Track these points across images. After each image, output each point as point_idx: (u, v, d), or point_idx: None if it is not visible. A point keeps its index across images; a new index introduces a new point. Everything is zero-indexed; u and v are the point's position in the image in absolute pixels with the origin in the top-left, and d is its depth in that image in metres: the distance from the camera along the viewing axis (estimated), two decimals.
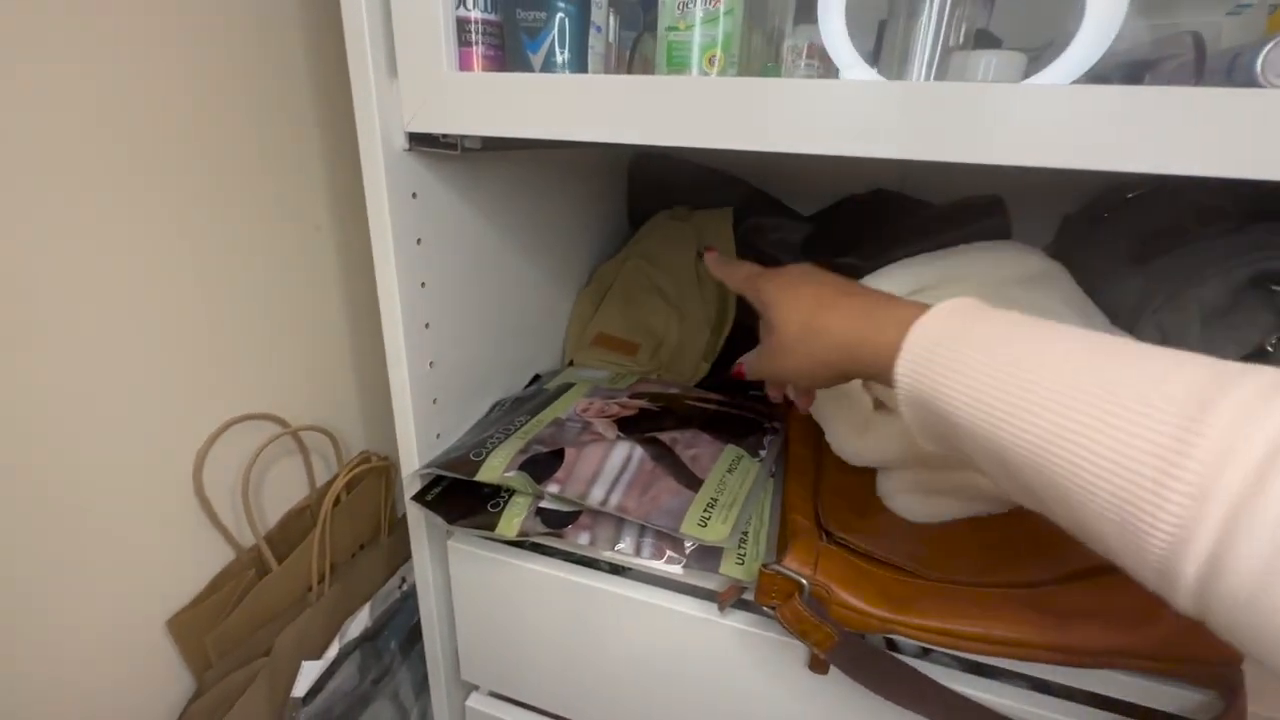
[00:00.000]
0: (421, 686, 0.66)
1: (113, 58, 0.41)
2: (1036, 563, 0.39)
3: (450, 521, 0.47)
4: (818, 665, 0.42)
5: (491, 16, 0.40)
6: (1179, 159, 0.28)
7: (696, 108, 0.34)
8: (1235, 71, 0.29)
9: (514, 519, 0.46)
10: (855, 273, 0.54)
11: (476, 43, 0.40)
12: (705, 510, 0.45)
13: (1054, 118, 0.30)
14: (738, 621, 0.47)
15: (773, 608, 0.40)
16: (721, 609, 0.45)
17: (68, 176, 0.40)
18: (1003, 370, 0.26)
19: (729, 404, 0.60)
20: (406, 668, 0.65)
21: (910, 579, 0.40)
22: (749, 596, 0.43)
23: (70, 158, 0.40)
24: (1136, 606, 0.35)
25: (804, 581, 0.38)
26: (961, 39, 0.37)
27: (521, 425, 0.53)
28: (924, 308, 0.31)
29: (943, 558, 0.40)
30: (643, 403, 0.58)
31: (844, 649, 0.39)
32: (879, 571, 0.40)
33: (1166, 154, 0.28)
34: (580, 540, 0.45)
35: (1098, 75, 0.38)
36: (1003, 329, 0.27)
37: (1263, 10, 0.39)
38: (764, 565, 0.40)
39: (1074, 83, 0.35)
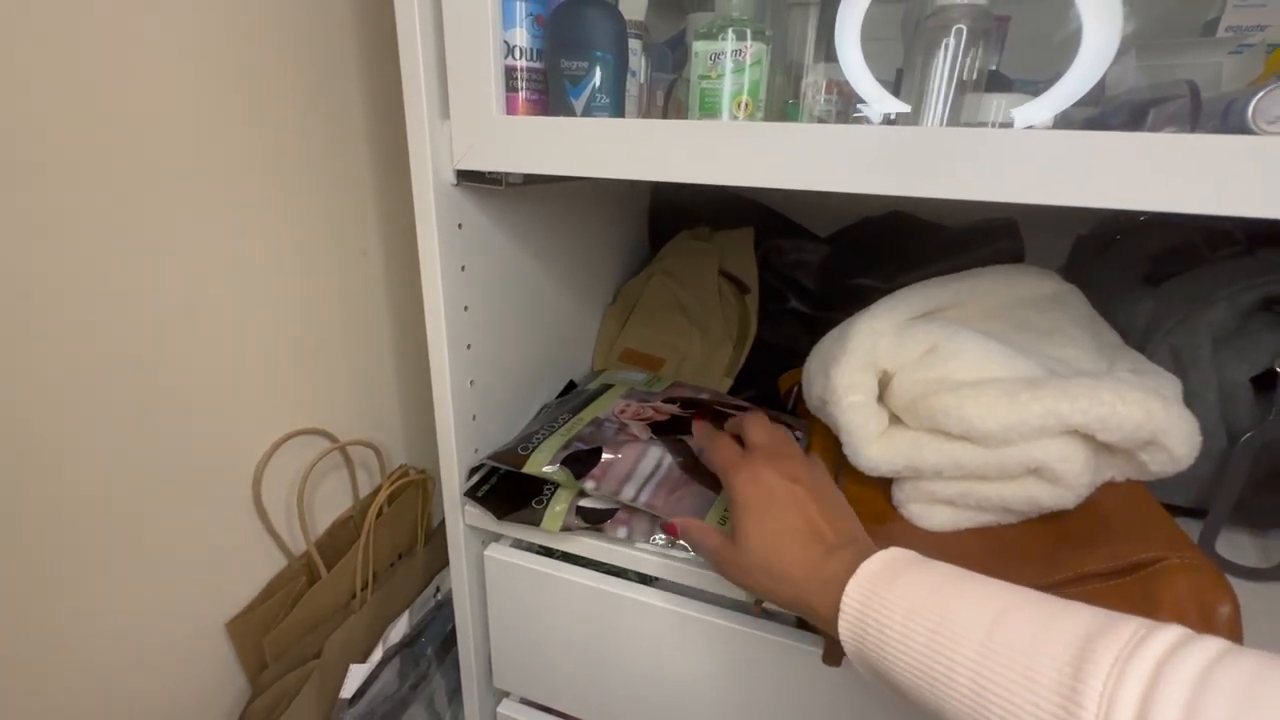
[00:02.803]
0: (455, 693, 0.68)
1: (194, 91, 0.45)
2: (1030, 569, 0.41)
3: (498, 517, 0.51)
4: (831, 657, 0.44)
5: (536, 65, 0.43)
6: (1177, 199, 0.31)
7: (729, 150, 0.37)
8: (1230, 116, 0.31)
9: (557, 516, 0.49)
10: (872, 294, 0.57)
11: (522, 89, 0.43)
12: (725, 510, 0.48)
13: (1056, 160, 0.32)
14: (762, 630, 0.49)
15: None
16: (754, 613, 0.47)
17: (142, 196, 0.43)
18: (924, 645, 0.28)
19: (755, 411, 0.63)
20: (441, 674, 0.67)
21: None
22: (773, 608, 0.46)
23: (149, 178, 0.43)
24: (1120, 609, 0.37)
25: None
26: (974, 81, 0.39)
27: (565, 423, 0.57)
28: (856, 564, 0.32)
29: (946, 561, 0.42)
30: (675, 408, 0.61)
31: None
32: None
33: (1166, 195, 0.31)
34: (619, 534, 0.49)
35: (1104, 114, 0.41)
36: (917, 597, 0.30)
37: (1261, 51, 0.41)
38: None
39: (1078, 127, 0.38)
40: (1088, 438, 0.43)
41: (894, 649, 0.29)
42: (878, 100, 0.40)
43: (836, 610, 0.32)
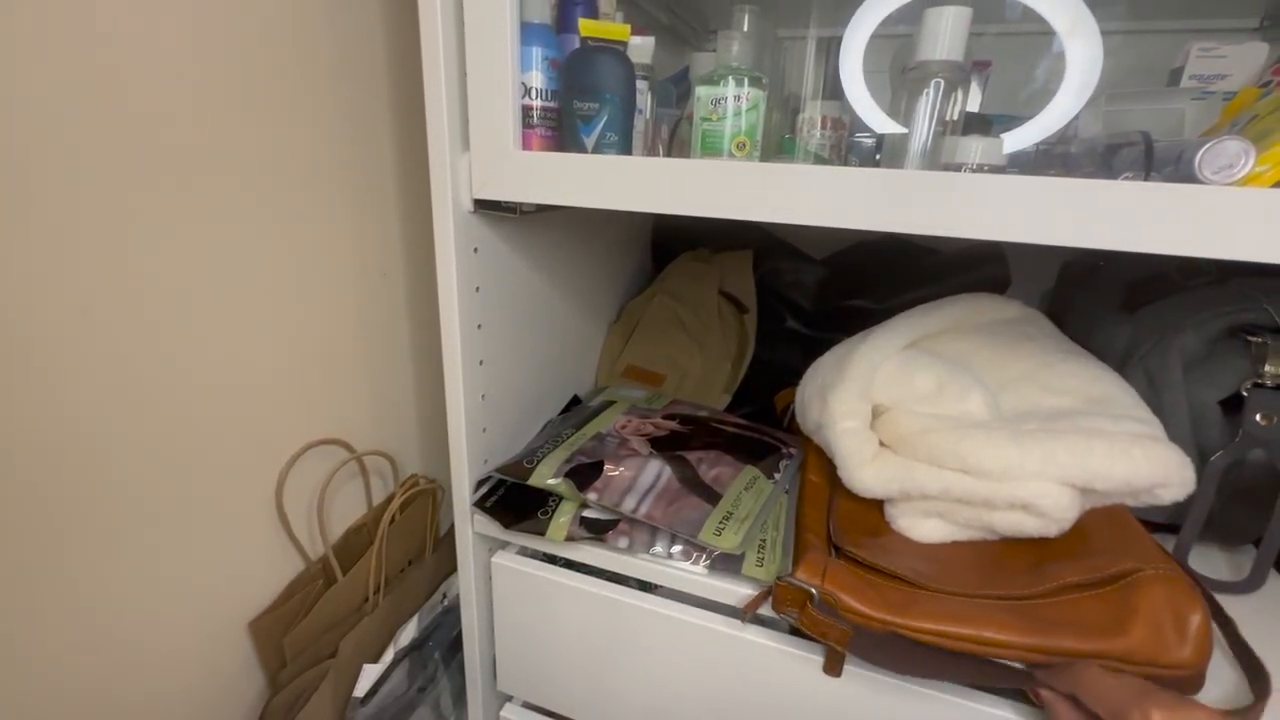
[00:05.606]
0: (459, 697, 0.70)
1: (235, 119, 0.49)
2: (1023, 579, 0.44)
3: (506, 526, 0.54)
4: (832, 667, 0.47)
5: (551, 104, 0.47)
6: (1134, 239, 0.34)
7: (728, 187, 0.41)
8: (1181, 165, 0.35)
9: (561, 526, 0.52)
10: (866, 315, 0.60)
11: (537, 126, 0.47)
12: (721, 522, 0.51)
13: (1026, 203, 0.35)
14: (759, 636, 0.51)
15: (793, 616, 0.45)
16: (744, 620, 0.50)
17: (179, 213, 0.46)
18: None
19: (750, 428, 0.66)
20: (447, 678, 0.69)
21: (910, 588, 0.45)
22: (765, 612, 0.48)
23: (185, 197, 0.46)
24: (1111, 620, 0.40)
25: (813, 591, 0.44)
26: (953, 124, 0.43)
27: (568, 437, 0.60)
28: None
29: (941, 573, 0.45)
30: (674, 424, 0.64)
31: (859, 640, 0.44)
32: (882, 581, 0.45)
33: (1123, 235, 0.34)
34: (620, 544, 0.52)
35: (1076, 154, 0.44)
36: None
37: (1219, 100, 0.45)
38: (778, 578, 0.45)
39: (1057, 163, 0.41)
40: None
41: None
42: (879, 124, 0.44)
43: None
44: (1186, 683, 0.40)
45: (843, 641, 0.44)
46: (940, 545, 0.50)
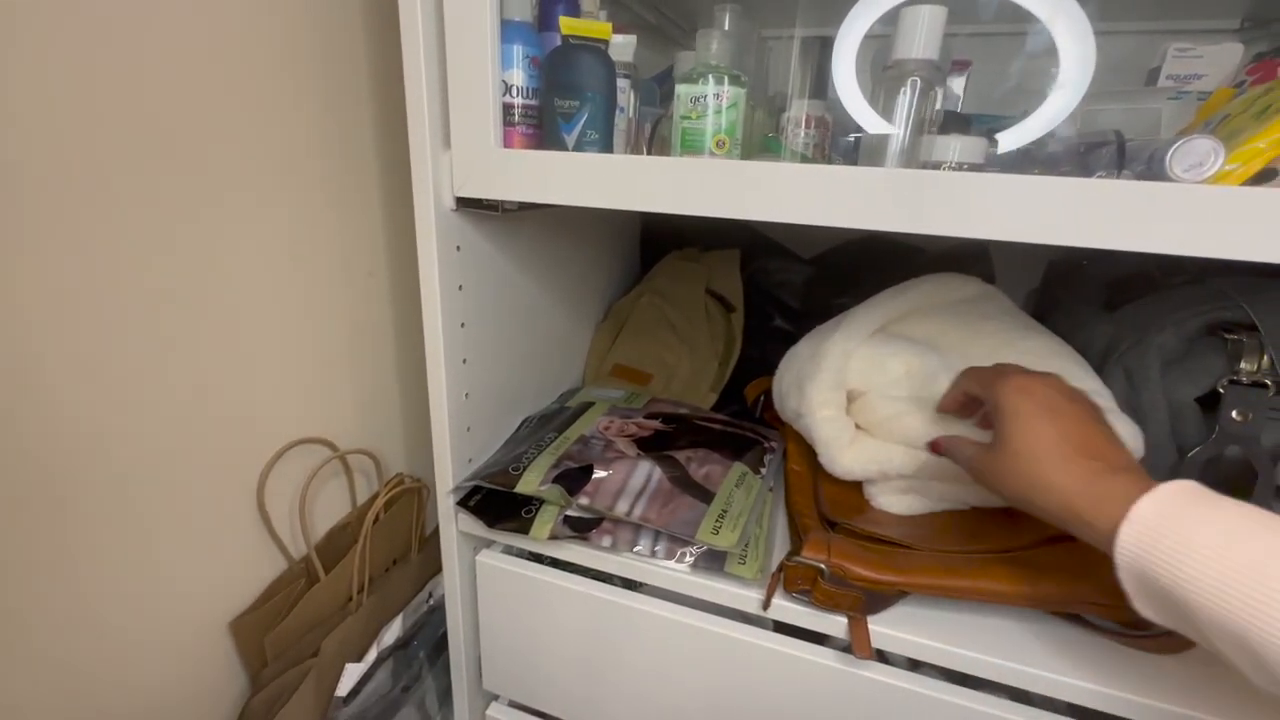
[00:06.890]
0: (445, 696, 0.70)
1: (220, 122, 0.48)
2: (1005, 534, 0.48)
3: (490, 525, 0.54)
4: (861, 647, 0.46)
5: (532, 102, 0.47)
6: (1108, 237, 0.34)
7: (708, 184, 0.41)
8: (1154, 163, 0.35)
9: (545, 524, 0.52)
10: None
11: (518, 124, 0.47)
12: (717, 520, 0.51)
13: (1008, 202, 0.36)
14: (745, 634, 0.51)
15: (806, 593, 0.47)
16: (764, 611, 0.49)
17: (164, 213, 0.46)
18: (1245, 568, 0.28)
19: (732, 424, 0.66)
20: (432, 677, 0.69)
21: (908, 551, 0.47)
22: (749, 609, 0.49)
23: (172, 197, 0.46)
24: (1085, 561, 0.44)
25: (822, 566, 0.46)
26: (930, 122, 0.43)
27: (551, 441, 0.60)
28: (1147, 485, 0.32)
29: (930, 536, 0.48)
30: (657, 424, 0.64)
31: (870, 602, 0.46)
32: (882, 548, 0.48)
33: (1097, 233, 0.34)
34: (603, 543, 0.52)
35: (1053, 155, 0.45)
36: (1234, 522, 0.29)
37: (1194, 100, 0.45)
38: (787, 558, 0.47)
39: (1042, 162, 0.41)
40: None
41: (1196, 566, 0.29)
42: (871, 123, 0.44)
43: (1114, 522, 0.32)
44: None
45: (856, 605, 0.46)
46: (920, 515, 0.52)
